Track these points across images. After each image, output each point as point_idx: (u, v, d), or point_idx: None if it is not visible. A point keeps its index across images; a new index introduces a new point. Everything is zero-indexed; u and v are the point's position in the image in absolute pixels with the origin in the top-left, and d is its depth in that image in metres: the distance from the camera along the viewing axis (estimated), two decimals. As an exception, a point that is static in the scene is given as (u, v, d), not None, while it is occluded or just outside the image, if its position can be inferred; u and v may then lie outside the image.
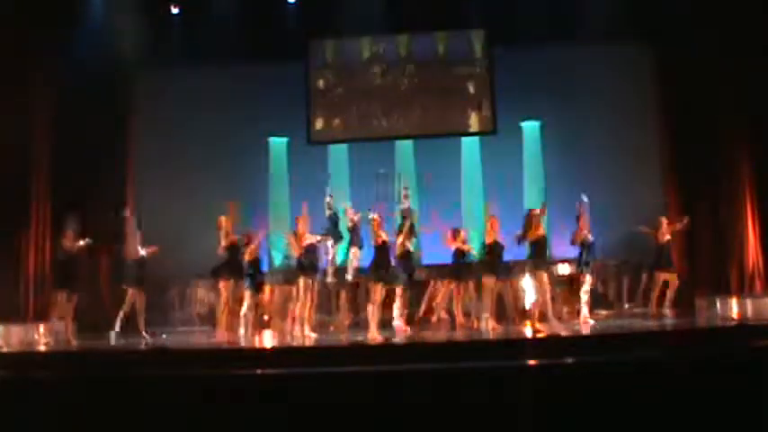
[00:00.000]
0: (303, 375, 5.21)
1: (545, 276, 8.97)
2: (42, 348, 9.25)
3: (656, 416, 4.20)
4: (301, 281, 9.23)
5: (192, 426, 4.44)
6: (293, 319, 9.33)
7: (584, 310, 9.53)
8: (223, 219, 9.78)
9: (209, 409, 4.47)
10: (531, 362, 5.88)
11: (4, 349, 8.89)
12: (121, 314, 9.82)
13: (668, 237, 10.25)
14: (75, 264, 9.69)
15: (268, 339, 9.61)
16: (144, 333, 9.95)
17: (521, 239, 9.00)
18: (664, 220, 10.44)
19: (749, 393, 4.25)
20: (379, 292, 8.73)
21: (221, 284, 9.70)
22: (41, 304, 11.03)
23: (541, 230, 8.97)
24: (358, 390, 4.56)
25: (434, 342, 8.43)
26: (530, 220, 8.89)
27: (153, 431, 4.49)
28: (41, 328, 9.94)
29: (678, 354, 6.36)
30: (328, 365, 6.13)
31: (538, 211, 9.07)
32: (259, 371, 6.14)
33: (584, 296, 9.58)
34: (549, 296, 9.01)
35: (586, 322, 9.38)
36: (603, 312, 11.15)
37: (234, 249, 9.55)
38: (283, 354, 8.14)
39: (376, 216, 9.03)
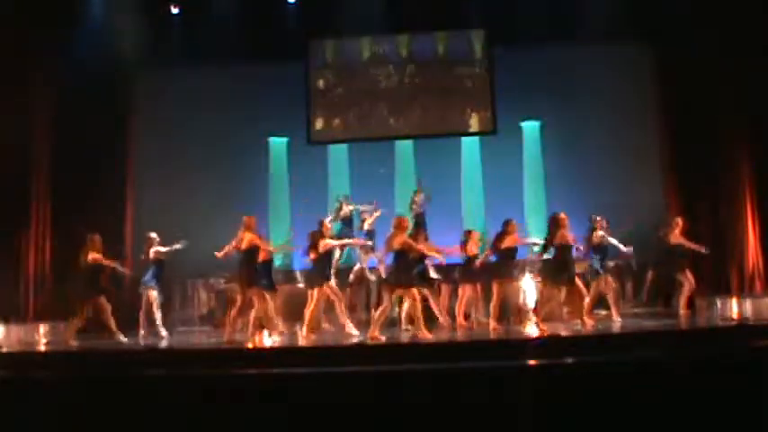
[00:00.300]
0: (303, 375, 5.21)
1: (578, 282, 8.86)
2: (42, 348, 9.25)
3: (656, 416, 4.20)
4: (327, 286, 9.22)
5: (191, 426, 4.44)
6: (345, 321, 9.35)
7: (614, 311, 9.75)
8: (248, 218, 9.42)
9: (209, 409, 4.47)
10: (531, 362, 5.88)
11: (4, 349, 8.89)
12: (158, 316, 9.90)
13: (682, 240, 9.97)
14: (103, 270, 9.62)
15: (268, 339, 9.61)
16: (142, 332, 10.00)
17: (547, 247, 8.65)
18: (680, 221, 10.17)
19: (749, 393, 4.25)
20: (416, 295, 8.57)
21: (255, 292, 9.26)
22: (41, 304, 11.05)
23: (570, 236, 8.59)
24: (358, 390, 4.56)
25: (434, 342, 8.43)
26: (557, 224, 8.63)
27: (153, 431, 4.49)
28: (41, 328, 9.95)
29: (678, 354, 6.36)
30: (328, 365, 6.12)
31: (564, 215, 8.64)
32: (259, 371, 6.14)
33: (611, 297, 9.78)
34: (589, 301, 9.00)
35: (617, 320, 9.50)
36: (603, 312, 11.14)
37: (252, 252, 9.15)
38: (283, 354, 8.14)
39: (405, 219, 8.86)
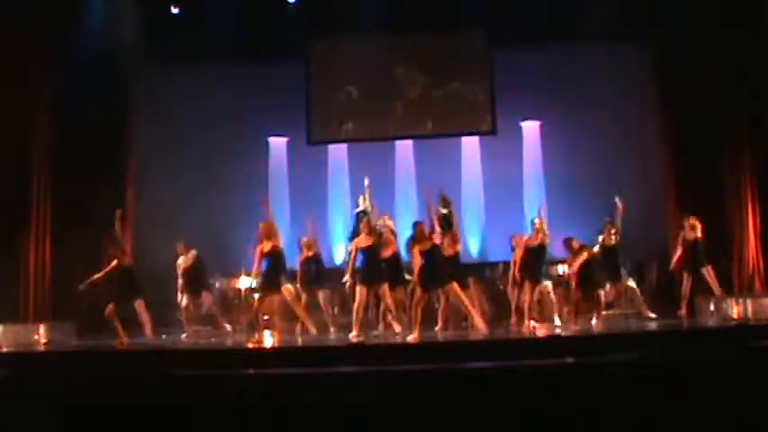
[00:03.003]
0: (303, 375, 5.21)
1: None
2: (42, 348, 9.24)
3: (656, 416, 4.20)
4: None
5: (192, 426, 4.44)
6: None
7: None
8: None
9: (208, 409, 4.47)
10: (531, 362, 5.87)
11: (4, 349, 8.89)
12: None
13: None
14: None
15: (268, 339, 9.61)
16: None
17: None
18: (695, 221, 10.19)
19: (749, 393, 4.25)
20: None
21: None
22: (41, 304, 11.03)
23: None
24: (358, 390, 4.56)
25: (435, 342, 8.43)
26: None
27: (153, 431, 4.49)
28: (41, 328, 9.94)
29: (678, 354, 6.36)
30: (328, 365, 6.12)
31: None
32: (259, 371, 6.14)
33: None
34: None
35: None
36: (603, 312, 11.13)
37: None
38: (283, 354, 8.14)
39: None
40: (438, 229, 8.86)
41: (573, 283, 9.50)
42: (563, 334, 8.50)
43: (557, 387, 4.45)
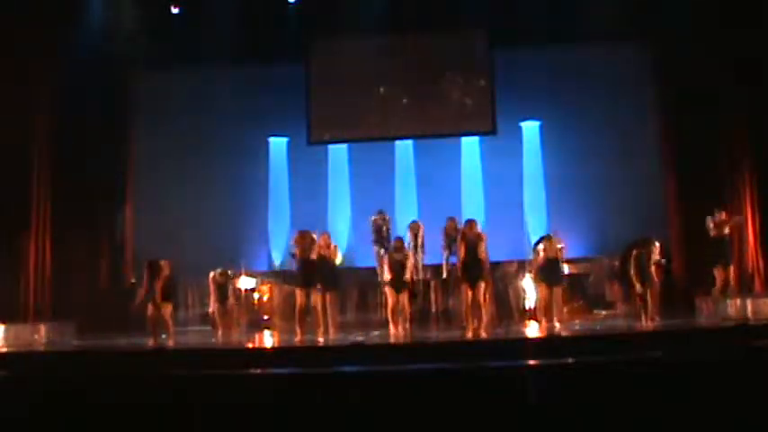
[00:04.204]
0: (303, 375, 5.20)
1: None
2: (42, 348, 9.24)
3: (655, 416, 4.20)
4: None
5: (192, 426, 4.44)
6: None
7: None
8: None
9: (208, 409, 4.47)
10: (531, 362, 5.87)
11: (4, 349, 8.89)
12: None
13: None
14: None
15: (268, 339, 9.62)
16: None
17: None
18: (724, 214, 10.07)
19: (749, 393, 4.25)
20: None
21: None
22: (41, 304, 11.04)
23: None
24: (358, 390, 4.56)
25: (434, 342, 8.43)
26: None
27: (153, 431, 4.48)
28: (41, 328, 9.94)
29: (678, 354, 6.36)
30: (328, 365, 6.12)
31: None
32: (259, 371, 6.14)
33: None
34: None
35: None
36: (603, 312, 11.15)
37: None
38: (283, 354, 8.14)
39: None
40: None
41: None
42: (563, 334, 8.50)
43: (557, 387, 4.45)
